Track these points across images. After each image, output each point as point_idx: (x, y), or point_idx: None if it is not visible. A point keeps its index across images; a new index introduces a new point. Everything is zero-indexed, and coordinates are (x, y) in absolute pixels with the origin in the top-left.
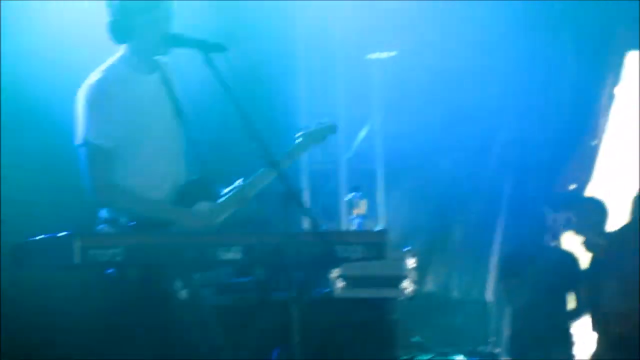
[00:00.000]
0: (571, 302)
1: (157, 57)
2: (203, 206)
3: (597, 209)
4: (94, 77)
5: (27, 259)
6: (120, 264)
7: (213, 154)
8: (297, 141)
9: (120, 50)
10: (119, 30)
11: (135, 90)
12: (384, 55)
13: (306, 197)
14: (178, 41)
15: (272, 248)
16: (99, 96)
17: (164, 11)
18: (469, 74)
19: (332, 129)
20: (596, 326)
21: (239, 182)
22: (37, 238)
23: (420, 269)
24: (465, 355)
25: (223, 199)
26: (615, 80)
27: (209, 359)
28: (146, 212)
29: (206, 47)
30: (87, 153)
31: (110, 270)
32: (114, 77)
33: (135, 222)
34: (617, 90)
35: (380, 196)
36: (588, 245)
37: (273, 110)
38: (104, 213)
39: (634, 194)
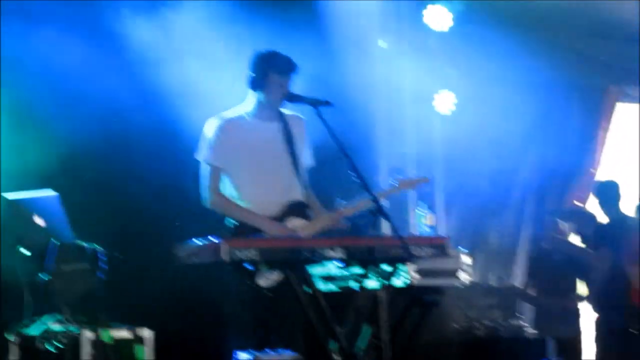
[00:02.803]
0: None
1: (281, 110)
2: (296, 221)
3: (592, 220)
4: (224, 114)
5: (187, 258)
6: (256, 261)
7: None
8: (394, 184)
9: (250, 98)
10: (254, 82)
11: (252, 133)
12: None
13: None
14: (297, 98)
15: (365, 248)
16: (221, 131)
17: (291, 77)
18: (510, 123)
19: (424, 180)
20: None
21: (336, 208)
22: (195, 241)
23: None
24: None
25: (315, 219)
26: (608, 124)
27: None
28: (244, 218)
29: (318, 104)
30: (204, 169)
31: (248, 266)
32: (238, 118)
33: (237, 224)
34: (610, 131)
35: (441, 211)
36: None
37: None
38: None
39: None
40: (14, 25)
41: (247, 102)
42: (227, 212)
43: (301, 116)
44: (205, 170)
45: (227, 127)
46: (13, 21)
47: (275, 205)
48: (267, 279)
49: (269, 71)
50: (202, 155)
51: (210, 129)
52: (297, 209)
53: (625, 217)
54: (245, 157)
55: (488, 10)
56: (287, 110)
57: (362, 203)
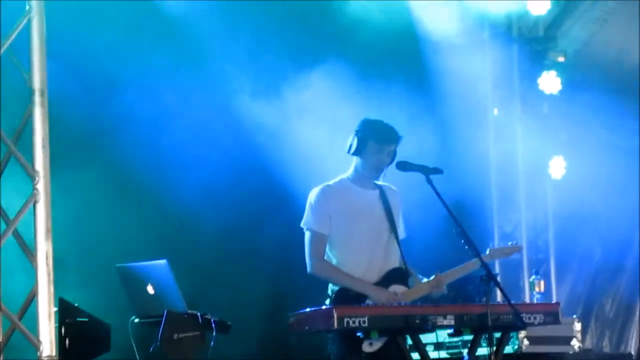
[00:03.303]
0: None
1: (373, 179)
2: (397, 288)
3: None
4: (325, 183)
5: (298, 325)
6: (366, 328)
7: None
8: (487, 252)
9: (352, 167)
10: (353, 147)
11: (353, 197)
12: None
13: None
14: (407, 166)
15: (476, 316)
16: (322, 196)
17: (389, 148)
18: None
19: (517, 249)
20: None
21: (434, 276)
22: (307, 310)
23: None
24: None
25: (416, 286)
26: None
27: None
28: (349, 285)
29: (428, 171)
30: (308, 236)
31: (359, 333)
32: (338, 186)
33: (339, 289)
34: None
35: (552, 278)
36: None
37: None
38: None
39: None
40: None
41: (348, 171)
42: (332, 278)
43: (394, 187)
44: (308, 237)
45: (329, 192)
46: None
47: (377, 272)
48: (372, 345)
49: (369, 138)
50: (305, 221)
51: (313, 196)
52: (397, 276)
53: None
54: (347, 222)
55: (600, 75)
56: (380, 181)
57: (463, 268)
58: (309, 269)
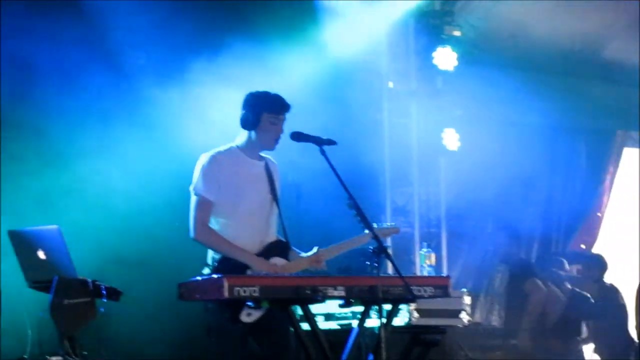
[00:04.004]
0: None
1: (263, 152)
2: (277, 260)
3: (599, 263)
4: (216, 149)
5: (189, 294)
6: (257, 298)
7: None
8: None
9: (241, 135)
10: (247, 121)
11: (242, 167)
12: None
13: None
14: (300, 137)
15: (367, 288)
16: (213, 163)
17: (282, 117)
18: (517, 164)
19: (395, 231)
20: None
21: (314, 249)
22: (197, 278)
23: (472, 305)
24: None
25: (296, 259)
26: (615, 169)
27: None
28: (232, 254)
29: (321, 142)
30: (195, 201)
31: (249, 302)
32: (228, 154)
33: (221, 258)
34: (616, 176)
35: (443, 251)
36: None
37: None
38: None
39: None
40: None
41: (238, 139)
42: (215, 246)
43: (274, 161)
44: (194, 202)
45: (220, 160)
46: None
47: (258, 244)
48: (250, 315)
49: (263, 110)
50: (195, 186)
51: (203, 162)
52: (278, 248)
53: None
54: (234, 191)
55: (495, 51)
56: (264, 153)
57: (348, 243)
58: (192, 234)
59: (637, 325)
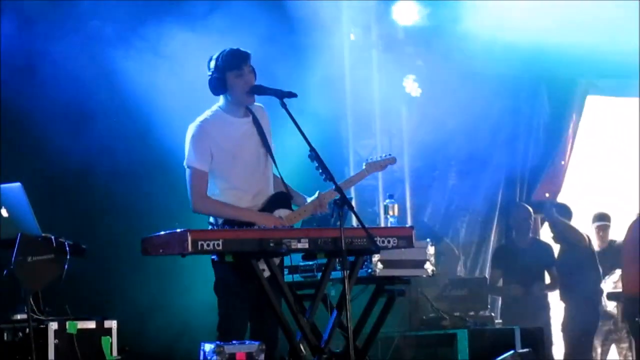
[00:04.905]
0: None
1: (248, 104)
2: (281, 212)
3: (564, 212)
4: (199, 118)
5: (153, 249)
6: (221, 251)
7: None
8: (363, 168)
9: (220, 100)
10: (216, 86)
11: (230, 129)
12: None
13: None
14: (260, 90)
15: (330, 239)
16: (201, 133)
17: (247, 68)
18: (480, 114)
19: (391, 161)
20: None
21: (316, 194)
22: (160, 233)
23: (437, 255)
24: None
25: (300, 208)
26: (578, 116)
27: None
28: (235, 215)
29: (282, 94)
30: (190, 173)
31: (213, 256)
32: (214, 119)
33: (224, 221)
34: (580, 124)
35: (407, 202)
36: (555, 239)
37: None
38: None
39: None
40: None
41: (221, 99)
42: (217, 212)
43: (261, 105)
44: (189, 174)
45: (208, 127)
46: None
47: (260, 199)
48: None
49: (225, 71)
50: (188, 160)
51: (191, 132)
52: (280, 200)
53: None
54: (227, 155)
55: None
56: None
57: (345, 184)
58: (192, 207)
59: (622, 276)
